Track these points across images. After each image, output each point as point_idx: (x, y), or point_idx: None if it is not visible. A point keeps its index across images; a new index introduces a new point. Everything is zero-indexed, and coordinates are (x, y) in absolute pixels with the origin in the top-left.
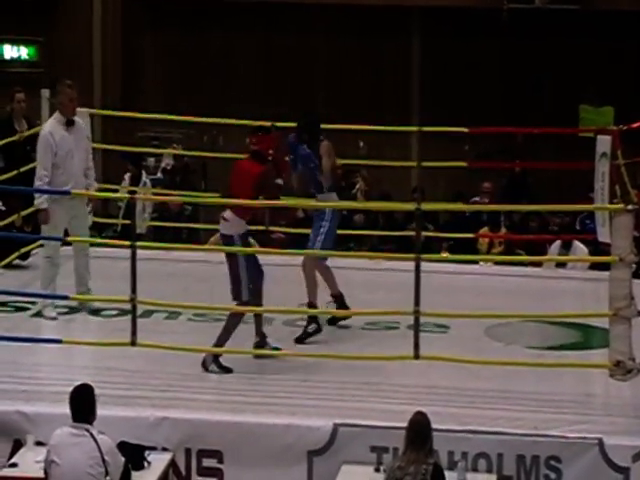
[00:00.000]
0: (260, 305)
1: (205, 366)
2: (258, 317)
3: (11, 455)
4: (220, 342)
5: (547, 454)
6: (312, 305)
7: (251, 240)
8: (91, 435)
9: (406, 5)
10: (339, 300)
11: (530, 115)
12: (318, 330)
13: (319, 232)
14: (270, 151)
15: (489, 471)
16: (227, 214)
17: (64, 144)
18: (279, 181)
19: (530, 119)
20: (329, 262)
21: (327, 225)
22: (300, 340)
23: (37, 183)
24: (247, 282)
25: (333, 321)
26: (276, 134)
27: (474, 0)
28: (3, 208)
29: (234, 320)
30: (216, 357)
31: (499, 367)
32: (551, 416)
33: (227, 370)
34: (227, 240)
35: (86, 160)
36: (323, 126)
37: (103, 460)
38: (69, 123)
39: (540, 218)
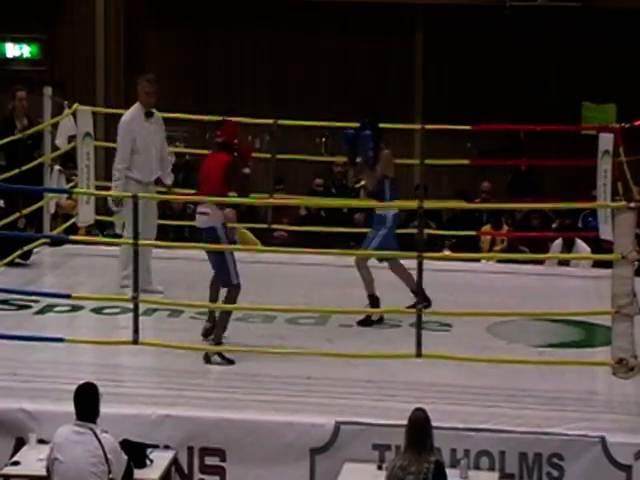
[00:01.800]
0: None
1: (207, 359)
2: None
3: (13, 453)
4: (219, 334)
5: (550, 452)
6: (373, 297)
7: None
8: (94, 434)
9: (410, 3)
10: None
11: (533, 113)
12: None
13: (376, 235)
14: (235, 140)
15: (491, 469)
16: (205, 208)
17: (142, 133)
18: (246, 170)
19: (533, 117)
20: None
21: (384, 232)
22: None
23: (117, 167)
24: (234, 266)
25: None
26: (236, 123)
27: None
28: (3, 205)
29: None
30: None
31: (502, 365)
32: (554, 414)
33: (229, 361)
34: (210, 232)
35: (162, 151)
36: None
37: (106, 459)
38: (148, 115)
39: (542, 216)
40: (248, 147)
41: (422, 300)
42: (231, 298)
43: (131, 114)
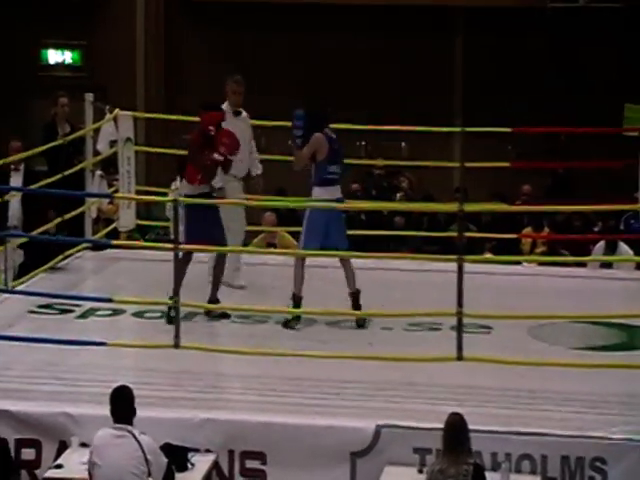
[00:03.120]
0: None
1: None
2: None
3: (57, 456)
4: (213, 294)
5: (592, 455)
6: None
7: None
8: (133, 435)
9: (449, 5)
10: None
11: (574, 114)
12: None
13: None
14: (210, 127)
15: (533, 472)
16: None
17: (233, 131)
18: (216, 156)
19: (574, 118)
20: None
21: (305, 223)
22: None
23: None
24: (185, 232)
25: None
26: (218, 113)
27: None
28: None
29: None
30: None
31: (543, 368)
32: (595, 417)
33: (224, 315)
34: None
35: (250, 147)
36: (365, 127)
37: (146, 460)
38: (236, 113)
39: (584, 218)
40: (224, 136)
41: None
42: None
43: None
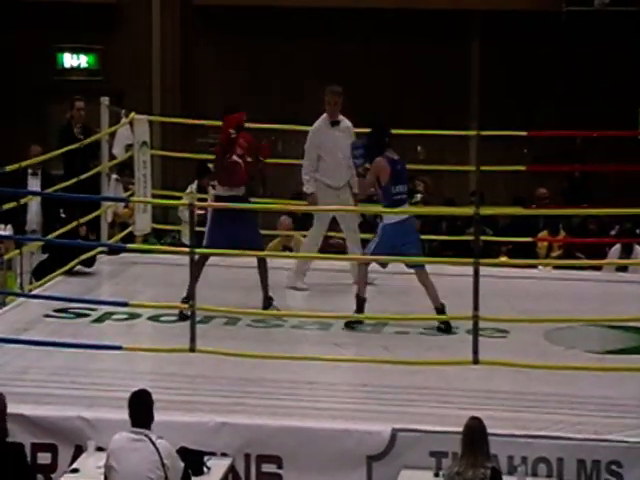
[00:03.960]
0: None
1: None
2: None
3: (73, 461)
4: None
5: (608, 459)
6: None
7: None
8: (150, 440)
9: (465, 9)
10: None
11: (590, 118)
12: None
13: (372, 241)
14: (230, 130)
15: (549, 476)
16: None
17: (328, 140)
18: (235, 158)
19: (589, 122)
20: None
21: (376, 241)
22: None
23: (303, 171)
24: (207, 236)
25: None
26: (238, 115)
27: (533, 3)
28: (63, 215)
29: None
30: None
31: (559, 371)
32: (612, 420)
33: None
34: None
35: (348, 157)
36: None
37: (162, 464)
38: (333, 123)
39: (600, 221)
40: (241, 138)
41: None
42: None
43: (318, 124)
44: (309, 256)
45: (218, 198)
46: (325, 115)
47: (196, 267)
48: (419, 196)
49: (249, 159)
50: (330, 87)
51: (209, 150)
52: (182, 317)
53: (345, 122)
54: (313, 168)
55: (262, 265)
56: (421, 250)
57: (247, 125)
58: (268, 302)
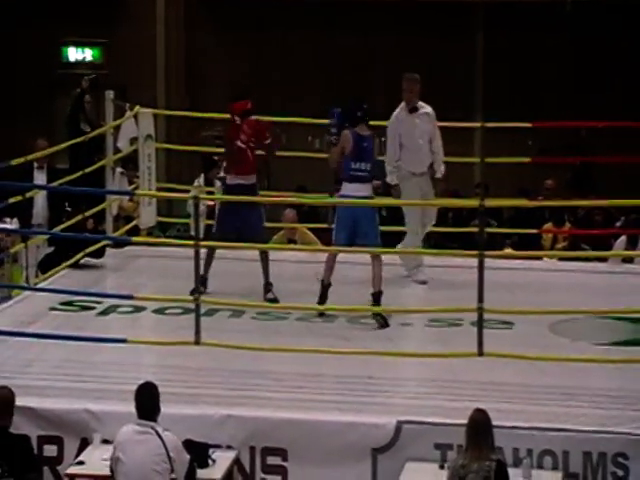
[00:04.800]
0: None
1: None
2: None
3: (78, 453)
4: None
5: (614, 451)
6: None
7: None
8: (156, 432)
9: (469, 1)
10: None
11: (595, 109)
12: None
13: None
14: (236, 117)
15: (555, 468)
16: None
17: (407, 128)
18: (239, 143)
19: (595, 113)
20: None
21: (335, 219)
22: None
23: (386, 160)
24: (216, 223)
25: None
26: (243, 103)
27: None
28: (69, 209)
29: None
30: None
31: (564, 363)
32: (618, 412)
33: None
34: None
35: (430, 143)
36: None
37: (168, 457)
38: (412, 110)
39: (605, 213)
40: (245, 124)
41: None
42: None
43: (397, 112)
44: (316, 249)
45: (227, 187)
46: (403, 103)
47: (207, 257)
48: None
49: (252, 145)
50: (406, 74)
51: (215, 143)
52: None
53: (425, 108)
54: (396, 157)
55: (264, 256)
56: (378, 234)
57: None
58: (268, 288)
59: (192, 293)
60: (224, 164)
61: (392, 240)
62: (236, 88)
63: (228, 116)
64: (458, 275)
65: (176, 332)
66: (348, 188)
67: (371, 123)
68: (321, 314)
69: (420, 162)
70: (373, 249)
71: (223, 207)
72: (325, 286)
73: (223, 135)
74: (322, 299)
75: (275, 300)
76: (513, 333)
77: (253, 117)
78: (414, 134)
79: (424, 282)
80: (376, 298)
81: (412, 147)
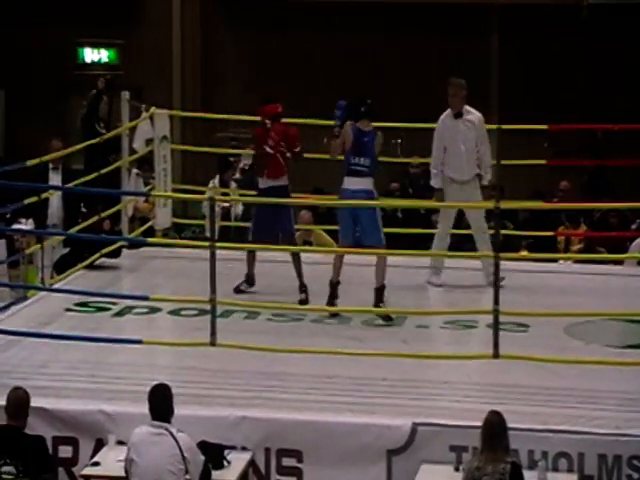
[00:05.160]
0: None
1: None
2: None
3: (93, 454)
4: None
5: (629, 453)
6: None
7: None
8: (170, 433)
9: (485, 3)
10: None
11: (610, 112)
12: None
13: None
14: (266, 121)
15: (570, 470)
16: None
17: (451, 133)
18: (267, 149)
19: (610, 116)
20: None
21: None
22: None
23: (431, 165)
24: (252, 227)
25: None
26: (272, 107)
27: None
28: (84, 210)
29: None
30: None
31: (580, 366)
32: (633, 415)
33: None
34: None
35: (474, 149)
36: (402, 125)
37: (183, 457)
38: (456, 115)
39: (621, 215)
40: (273, 130)
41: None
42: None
43: (442, 116)
44: (331, 250)
45: (260, 191)
46: (449, 108)
47: (248, 258)
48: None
49: (281, 149)
50: (451, 79)
51: (230, 144)
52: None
53: (471, 114)
54: (439, 161)
55: (296, 257)
56: (379, 228)
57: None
58: (302, 289)
59: (236, 291)
60: (240, 165)
61: (403, 242)
62: (249, 94)
63: (246, 117)
64: (474, 277)
65: (191, 333)
66: (347, 182)
67: (379, 124)
68: (333, 315)
69: (461, 169)
70: (379, 250)
71: (258, 211)
72: (334, 285)
73: (253, 137)
74: (332, 299)
75: (304, 302)
76: (528, 335)
77: (282, 121)
78: (457, 140)
79: (439, 285)
80: (379, 293)
81: (454, 153)
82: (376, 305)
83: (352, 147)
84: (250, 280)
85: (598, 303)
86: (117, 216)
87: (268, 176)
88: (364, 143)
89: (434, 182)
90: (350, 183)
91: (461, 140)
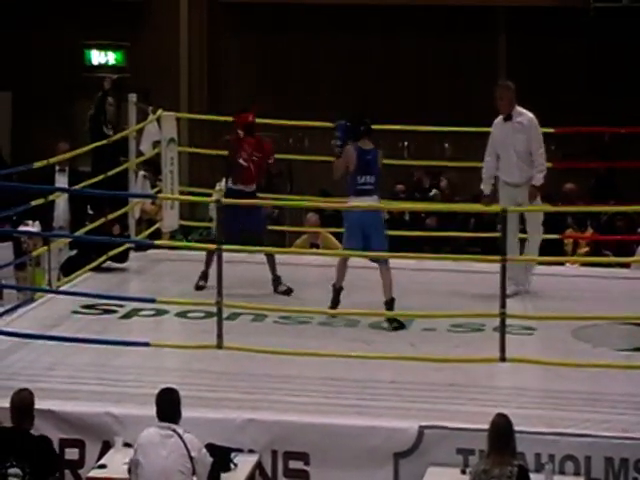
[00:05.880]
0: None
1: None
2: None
3: (100, 456)
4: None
5: (636, 457)
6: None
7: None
8: (177, 434)
9: (492, 5)
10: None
11: (618, 115)
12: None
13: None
14: (239, 131)
15: (577, 474)
16: None
17: (501, 136)
18: (241, 161)
19: (617, 119)
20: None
21: (344, 228)
22: None
23: (484, 166)
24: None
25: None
26: (245, 116)
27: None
28: (91, 212)
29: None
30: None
31: (586, 369)
32: None
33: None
34: None
35: (527, 151)
36: (411, 127)
37: (190, 457)
38: (506, 118)
39: (628, 218)
40: (245, 142)
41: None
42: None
43: (495, 121)
44: (338, 253)
45: (228, 191)
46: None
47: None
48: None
49: (255, 159)
50: (499, 82)
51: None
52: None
53: (522, 116)
54: (491, 165)
55: (269, 256)
56: (385, 243)
57: (274, 122)
58: (278, 282)
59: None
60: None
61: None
62: (256, 96)
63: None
64: (480, 280)
65: (198, 336)
66: (355, 202)
67: (388, 127)
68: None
69: (510, 172)
70: (386, 254)
71: (226, 212)
72: (337, 290)
73: (227, 144)
74: (334, 303)
75: (289, 290)
76: (535, 338)
77: (256, 134)
78: (507, 143)
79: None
80: (389, 306)
81: (504, 156)
82: (391, 318)
83: (357, 168)
84: (204, 276)
85: (605, 306)
86: (124, 219)
87: (242, 182)
88: (368, 161)
89: (483, 187)
90: (360, 202)
91: (511, 143)
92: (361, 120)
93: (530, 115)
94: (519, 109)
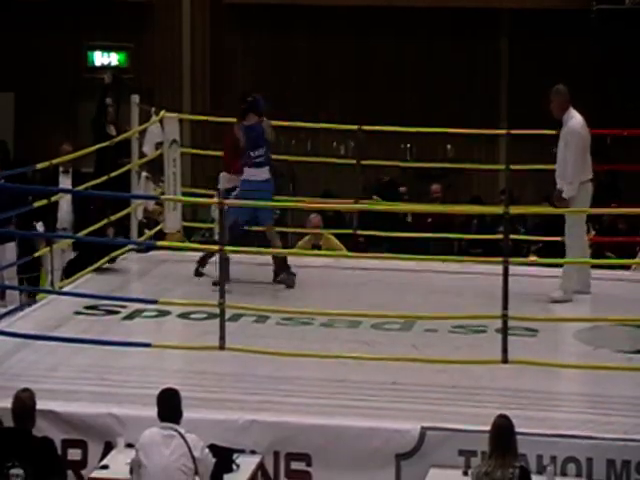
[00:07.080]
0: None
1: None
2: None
3: (102, 457)
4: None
5: (638, 459)
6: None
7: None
8: (179, 434)
9: (495, 7)
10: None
11: (620, 117)
12: None
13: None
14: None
15: (578, 475)
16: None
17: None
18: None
19: (620, 121)
20: None
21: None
22: None
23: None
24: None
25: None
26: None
27: (562, 1)
28: (92, 207)
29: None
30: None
31: (588, 371)
32: None
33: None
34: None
35: (561, 160)
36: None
37: (192, 457)
38: (559, 123)
39: (630, 221)
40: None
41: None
42: None
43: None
44: (340, 254)
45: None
46: None
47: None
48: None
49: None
50: (556, 86)
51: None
52: None
53: (568, 122)
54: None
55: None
56: (271, 214)
57: (277, 123)
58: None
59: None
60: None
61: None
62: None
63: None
64: (483, 282)
65: (201, 337)
66: (249, 173)
67: (389, 129)
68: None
69: (558, 175)
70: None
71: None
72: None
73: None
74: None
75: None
76: (537, 340)
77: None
78: (559, 147)
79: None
80: (276, 275)
81: (557, 160)
82: (278, 272)
83: (246, 144)
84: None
85: (607, 308)
86: (126, 220)
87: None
88: (255, 137)
89: (565, 189)
90: (252, 173)
91: (559, 148)
92: (243, 99)
93: (572, 121)
94: (572, 114)
